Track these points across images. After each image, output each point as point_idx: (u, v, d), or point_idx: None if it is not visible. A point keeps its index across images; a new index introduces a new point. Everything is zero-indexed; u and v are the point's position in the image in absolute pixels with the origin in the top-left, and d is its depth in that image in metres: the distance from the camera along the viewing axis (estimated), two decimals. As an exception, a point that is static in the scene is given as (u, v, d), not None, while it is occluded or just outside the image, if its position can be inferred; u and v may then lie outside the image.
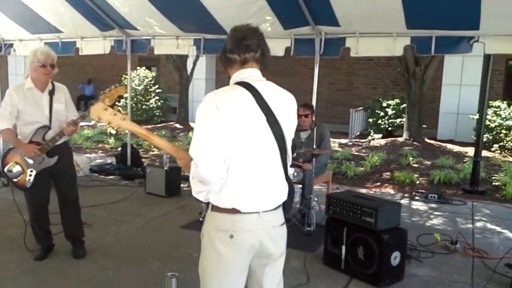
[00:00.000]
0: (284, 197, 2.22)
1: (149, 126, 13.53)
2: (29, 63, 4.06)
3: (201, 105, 2.04)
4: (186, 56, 12.33)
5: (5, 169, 4.13)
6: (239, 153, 2.04)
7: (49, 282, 3.91)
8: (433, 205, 6.49)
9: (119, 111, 2.19)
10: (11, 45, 7.98)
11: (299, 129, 5.59)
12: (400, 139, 11.13)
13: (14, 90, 4.08)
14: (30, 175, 4.08)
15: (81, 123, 4.35)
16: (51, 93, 4.14)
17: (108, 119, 2.17)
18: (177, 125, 13.58)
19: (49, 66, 4.05)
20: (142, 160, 8.61)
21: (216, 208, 2.11)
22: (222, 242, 2.09)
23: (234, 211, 2.07)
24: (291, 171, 5.15)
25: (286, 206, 2.28)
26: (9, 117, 4.04)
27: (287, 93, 2.23)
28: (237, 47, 2.12)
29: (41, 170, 4.08)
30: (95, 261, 4.28)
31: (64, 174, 4.27)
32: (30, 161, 4.05)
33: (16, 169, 4.08)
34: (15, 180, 4.12)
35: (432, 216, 6.00)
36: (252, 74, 2.15)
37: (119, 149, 8.75)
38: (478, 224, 5.68)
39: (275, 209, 2.17)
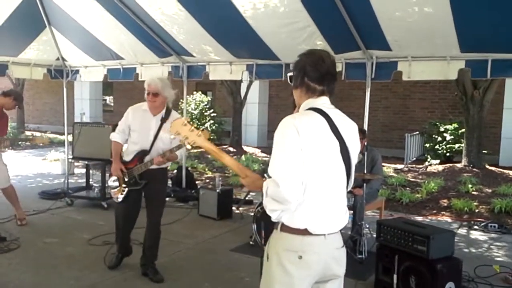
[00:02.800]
0: (346, 220, 2.30)
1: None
2: None
3: (281, 129, 2.12)
4: (240, 81, 12.59)
5: (109, 180, 4.52)
6: (314, 176, 2.12)
7: (104, 299, 4.08)
8: (493, 235, 6.17)
9: (196, 128, 2.29)
10: (77, 71, 8.48)
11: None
12: (458, 165, 10.72)
13: (132, 109, 4.42)
14: (123, 191, 4.38)
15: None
16: (163, 120, 4.29)
17: (186, 134, 2.26)
18: (231, 149, 13.79)
19: (151, 95, 4.23)
20: (196, 182, 8.81)
21: (286, 229, 2.17)
22: (291, 262, 2.15)
23: (305, 232, 2.14)
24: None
25: None
26: (122, 132, 4.40)
27: (351, 120, 2.33)
28: (322, 79, 2.22)
29: (131, 189, 4.35)
30: (150, 282, 4.40)
31: (154, 198, 4.45)
32: (126, 179, 4.35)
33: (115, 182, 4.43)
34: (112, 191, 4.48)
35: (491, 247, 5.71)
36: (324, 101, 2.25)
37: (175, 171, 9.01)
38: (543, 256, 5.35)
39: (337, 231, 2.26)
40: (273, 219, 2.17)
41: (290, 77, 2.35)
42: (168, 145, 4.25)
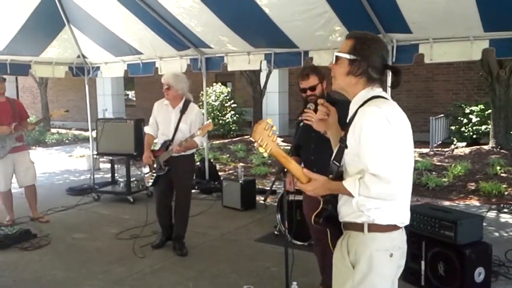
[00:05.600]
0: None
1: (226, 140, 13.87)
2: None
3: (369, 121, 1.96)
4: (259, 71, 12.53)
5: (143, 168, 5.10)
6: (406, 166, 2.01)
7: (133, 292, 4.15)
8: (524, 218, 6.04)
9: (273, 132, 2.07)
10: (98, 68, 8.58)
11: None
12: (486, 147, 10.48)
13: (157, 103, 4.97)
14: (152, 176, 4.92)
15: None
16: (182, 112, 4.77)
17: (266, 140, 2.02)
18: (252, 139, 13.77)
19: (164, 89, 4.75)
20: (219, 174, 8.84)
21: (375, 228, 2.03)
22: (383, 262, 2.04)
23: (392, 228, 2.05)
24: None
25: None
26: (151, 126, 4.97)
27: None
28: (384, 70, 2.11)
29: (159, 175, 4.86)
30: (177, 272, 4.47)
31: (179, 182, 4.89)
32: (155, 166, 4.86)
33: (147, 169, 5.02)
34: (145, 176, 5.15)
35: (522, 230, 5.59)
36: (381, 89, 2.13)
37: (198, 163, 9.06)
38: None
39: None
40: (363, 220, 2.02)
41: (338, 57, 2.13)
42: (187, 135, 4.68)
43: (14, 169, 5.99)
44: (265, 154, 2.05)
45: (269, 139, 2.01)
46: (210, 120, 4.60)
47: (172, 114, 4.78)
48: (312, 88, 3.50)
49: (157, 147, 4.91)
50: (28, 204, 6.23)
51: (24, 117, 6.14)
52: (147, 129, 5.02)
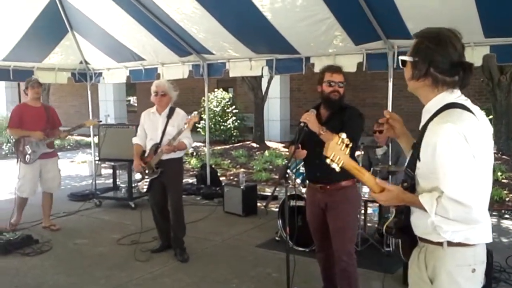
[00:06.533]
0: None
1: (227, 146, 13.88)
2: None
3: (445, 140, 1.80)
4: (261, 76, 12.56)
5: (135, 176, 5.21)
6: (487, 183, 1.88)
7: (135, 297, 4.15)
8: (526, 224, 6.03)
9: (346, 145, 1.95)
10: (100, 74, 8.63)
11: (375, 146, 5.49)
12: (487, 152, 10.47)
13: (144, 113, 5.14)
14: (146, 182, 5.00)
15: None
16: (168, 117, 4.95)
17: (339, 155, 1.92)
18: (254, 144, 13.79)
19: (160, 95, 4.91)
20: (221, 179, 8.85)
21: (456, 243, 1.90)
22: (466, 278, 1.92)
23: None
24: (366, 189, 5.05)
25: None
26: (140, 136, 5.09)
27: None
28: (454, 70, 1.91)
29: (152, 179, 4.94)
30: (178, 278, 4.47)
31: (169, 186, 4.97)
32: (147, 171, 4.95)
33: (139, 176, 5.04)
34: (138, 184, 5.20)
35: (524, 236, 5.58)
36: (458, 94, 1.94)
37: (199, 169, 9.07)
38: None
39: None
40: (445, 239, 1.89)
41: (403, 61, 2.00)
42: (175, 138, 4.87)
43: (40, 175, 6.01)
44: (337, 169, 1.94)
45: (341, 153, 1.93)
46: (196, 113, 4.71)
47: (159, 120, 4.95)
48: (341, 85, 3.47)
49: (146, 154, 4.98)
50: (43, 211, 6.19)
51: (57, 124, 6.18)
52: (135, 140, 5.11)
